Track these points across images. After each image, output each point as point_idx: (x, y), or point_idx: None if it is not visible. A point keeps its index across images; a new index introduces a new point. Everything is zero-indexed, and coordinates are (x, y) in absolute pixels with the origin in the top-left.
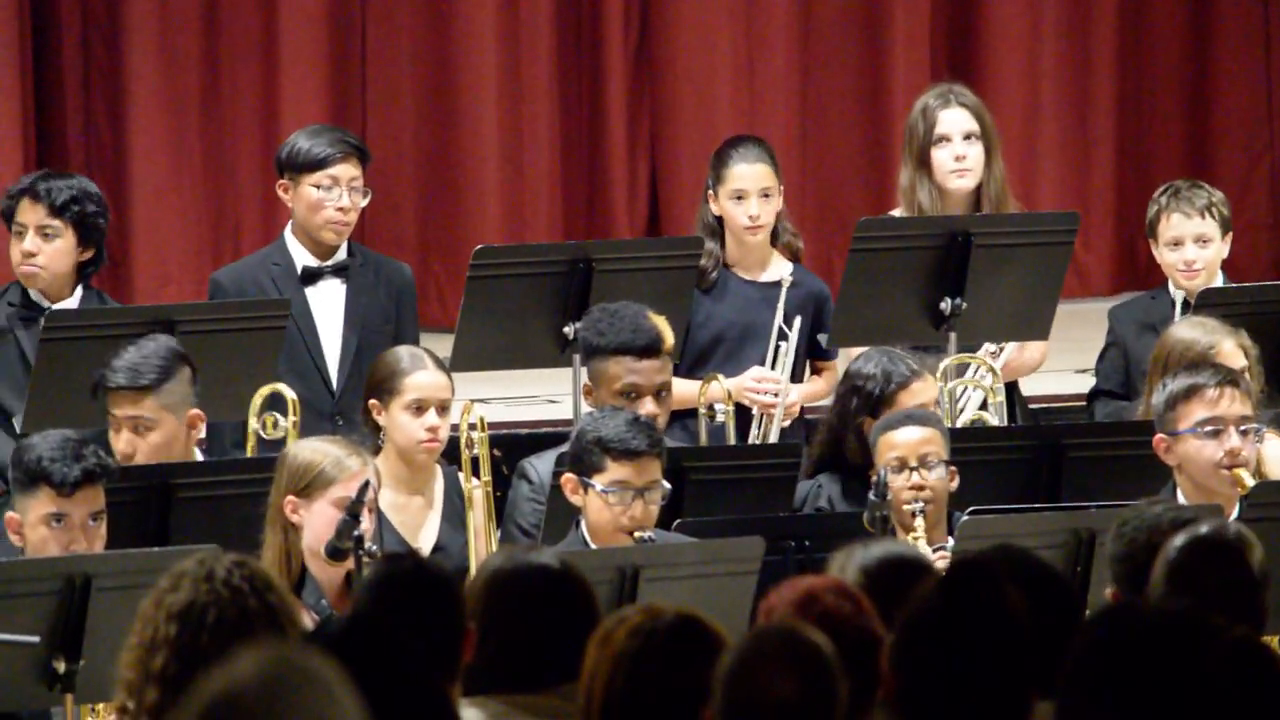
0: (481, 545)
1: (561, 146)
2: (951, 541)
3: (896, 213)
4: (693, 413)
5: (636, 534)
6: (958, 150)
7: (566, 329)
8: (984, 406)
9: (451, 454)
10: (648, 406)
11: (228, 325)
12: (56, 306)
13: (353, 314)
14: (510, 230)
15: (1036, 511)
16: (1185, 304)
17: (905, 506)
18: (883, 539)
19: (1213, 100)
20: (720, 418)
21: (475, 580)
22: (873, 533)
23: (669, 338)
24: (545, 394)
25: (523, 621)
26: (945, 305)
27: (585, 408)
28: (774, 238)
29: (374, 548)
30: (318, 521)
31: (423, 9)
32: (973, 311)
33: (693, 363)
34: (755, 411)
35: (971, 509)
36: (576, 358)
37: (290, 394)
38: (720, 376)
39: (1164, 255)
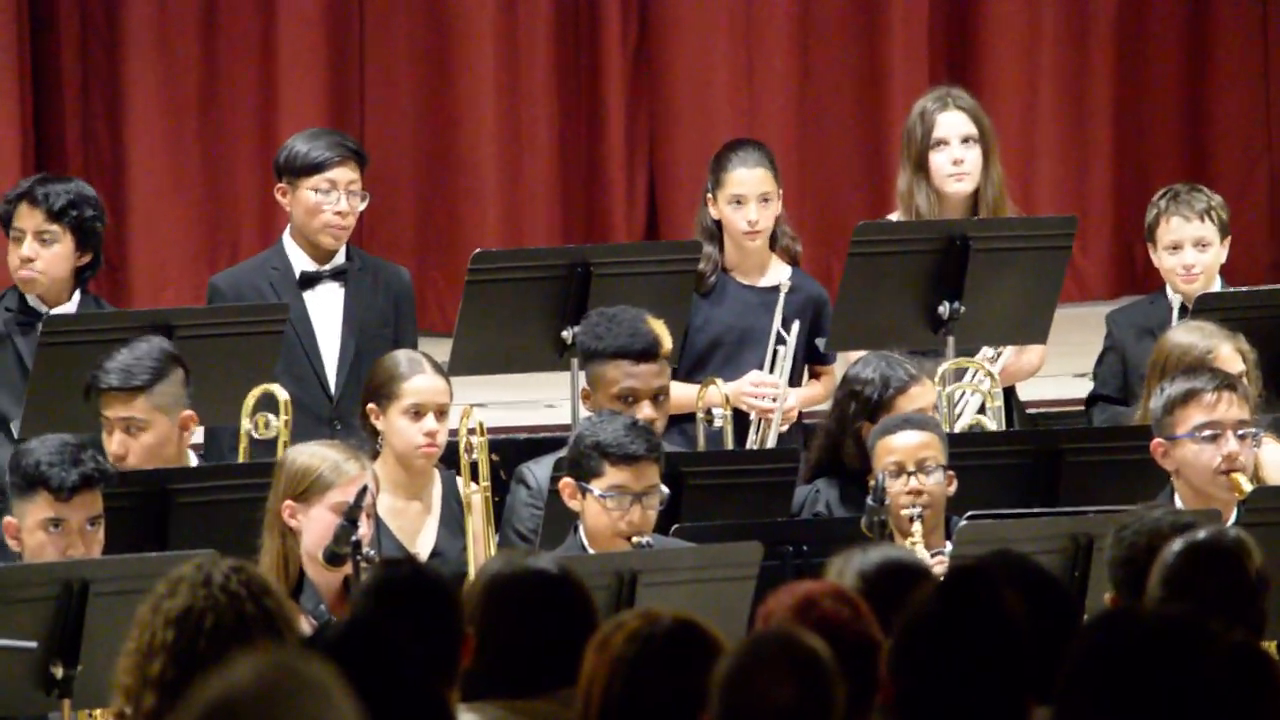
0: (480, 550)
1: (560, 150)
2: (949, 546)
3: (894, 216)
4: (691, 417)
5: (634, 539)
6: (956, 154)
7: (565, 333)
8: (982, 411)
9: (450, 459)
10: (645, 410)
11: (226, 330)
12: (54, 311)
13: (351, 318)
14: (508, 234)
15: (1034, 516)
16: (1183, 308)
17: (903, 511)
18: (881, 544)
19: (1211, 104)
20: (718, 422)
21: (473, 585)
22: (871, 537)
23: (667, 342)
24: (543, 398)
25: (521, 626)
26: (943, 309)
27: (583, 412)
28: (772, 242)
29: (372, 553)
30: (316, 526)
31: (421, 12)
32: (971, 316)
33: (691, 367)
34: (753, 416)
35: (969, 514)
36: (574, 362)
37: (283, 394)
38: (718, 381)
39: (1162, 259)
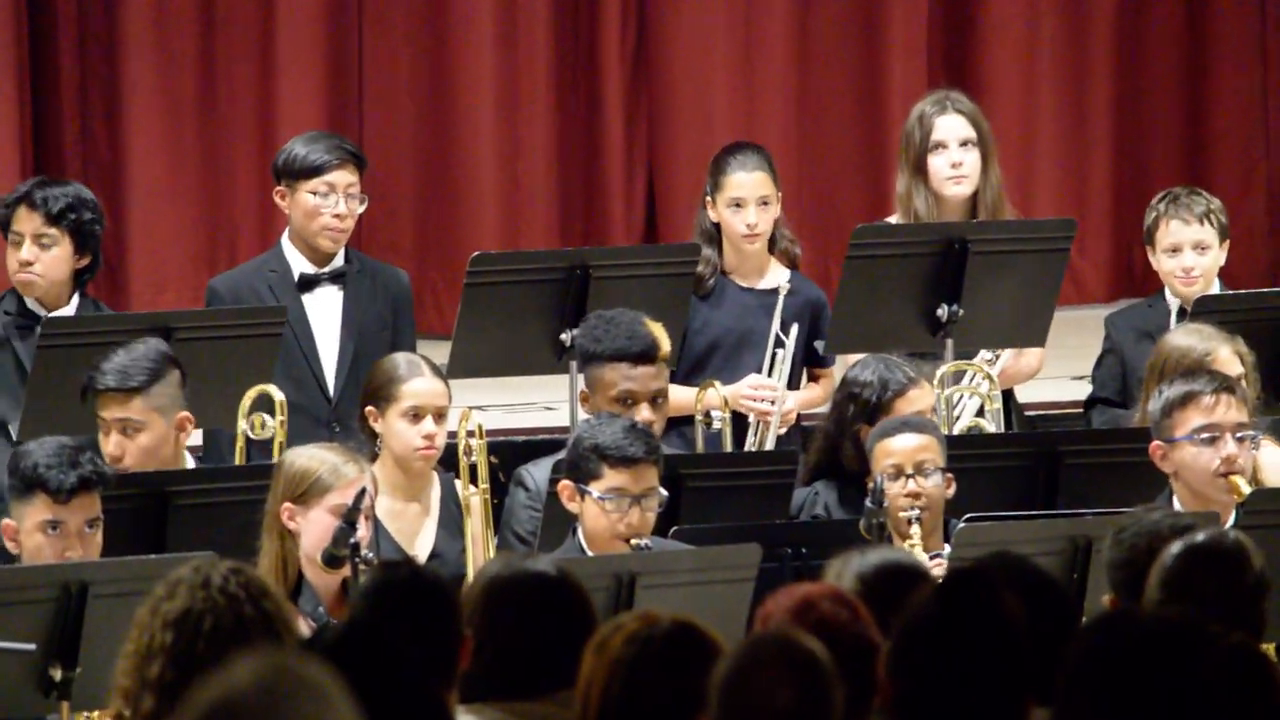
0: (479, 552)
1: (558, 152)
2: (948, 549)
3: (893, 219)
4: (689, 420)
5: (633, 541)
6: (954, 157)
7: (563, 336)
8: (981, 413)
9: (449, 461)
10: (643, 413)
11: (224, 332)
12: (53, 314)
13: (350, 321)
14: (507, 237)
15: (1033, 518)
16: (1182, 311)
17: (901, 514)
18: (879, 546)
19: (1209, 107)
20: (717, 425)
21: (472, 587)
22: (869, 540)
23: (665, 344)
24: (542, 401)
25: (519, 628)
26: (942, 312)
27: (582, 414)
28: (771, 244)
29: (370, 555)
30: (314, 528)
31: (420, 14)
32: (969, 318)
33: (689, 369)
34: (752, 419)
35: (968, 516)
36: (573, 364)
37: (279, 395)
38: (717, 383)
39: (1162, 262)
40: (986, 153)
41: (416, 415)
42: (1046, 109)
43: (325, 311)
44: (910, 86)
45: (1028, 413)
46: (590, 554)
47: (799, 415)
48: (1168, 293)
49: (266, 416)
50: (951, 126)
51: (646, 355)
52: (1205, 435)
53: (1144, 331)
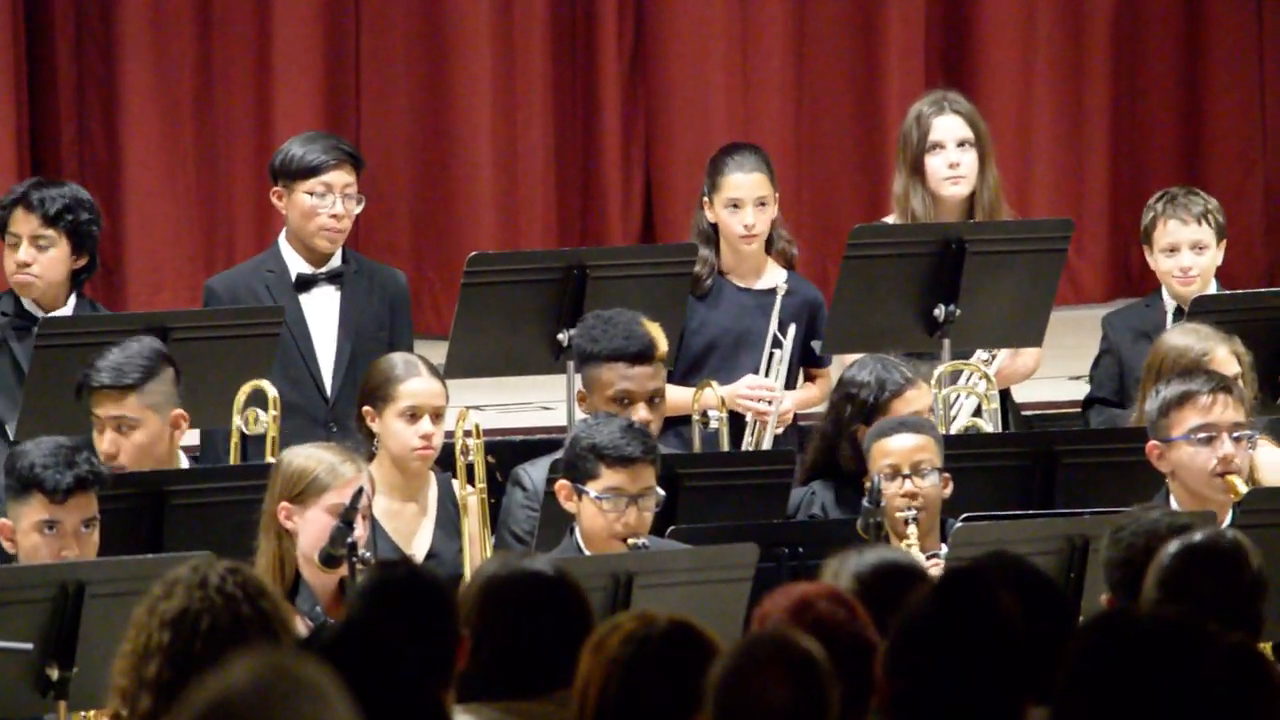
0: (476, 552)
1: (556, 153)
2: (945, 548)
3: (890, 219)
4: (686, 420)
5: (630, 541)
6: (952, 157)
7: (560, 336)
8: (978, 413)
9: (446, 461)
10: (640, 413)
11: (221, 332)
12: (50, 315)
13: (347, 321)
14: (504, 237)
15: (1030, 518)
16: (1179, 311)
17: (898, 514)
18: (876, 546)
19: (1206, 108)
20: (714, 424)
21: (469, 587)
22: (866, 539)
23: (662, 344)
24: (539, 400)
25: (517, 628)
26: (939, 312)
27: (579, 414)
28: (768, 245)
29: (368, 554)
30: (312, 528)
31: (417, 16)
32: (966, 318)
33: (687, 370)
34: (749, 418)
35: (965, 515)
36: (570, 364)
37: (271, 390)
38: (714, 383)
39: (1159, 262)
40: (984, 153)
41: (414, 415)
42: (1044, 109)
43: (322, 312)
44: (908, 87)
45: (1025, 412)
46: (587, 553)
47: (795, 415)
48: (1165, 293)
49: (260, 411)
50: (949, 127)
51: (644, 355)
52: (1202, 435)
53: (1141, 332)
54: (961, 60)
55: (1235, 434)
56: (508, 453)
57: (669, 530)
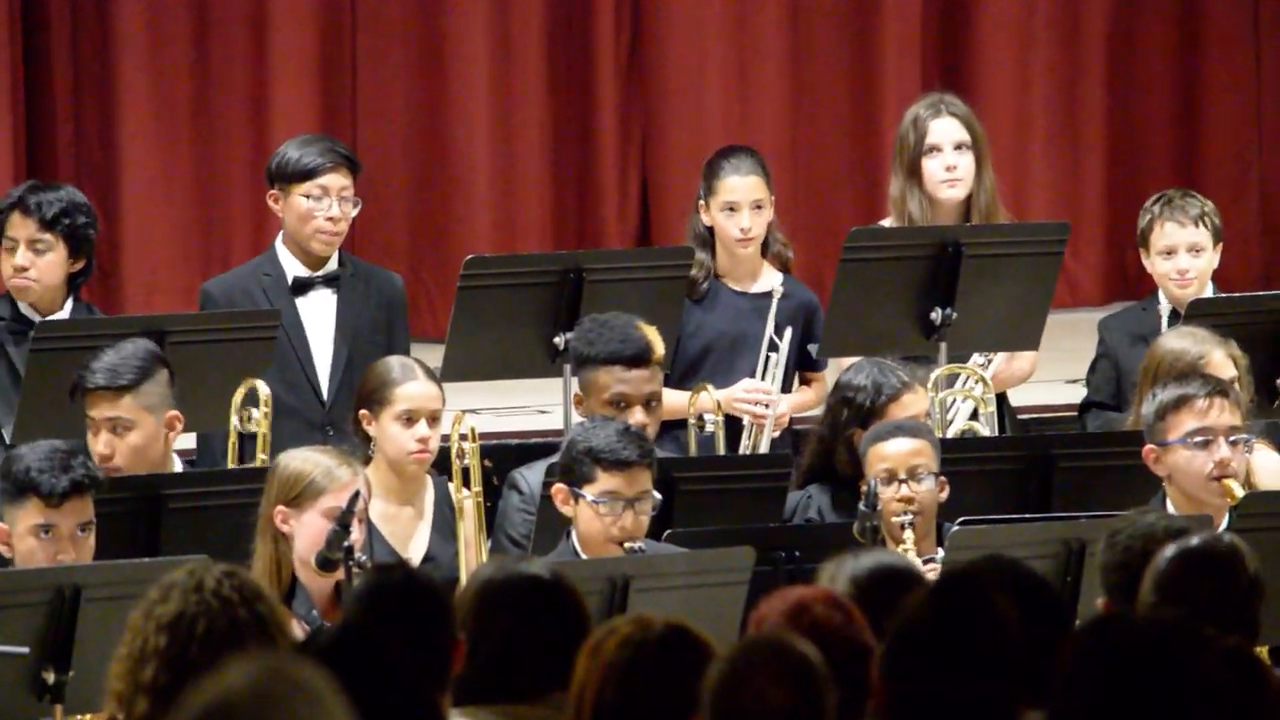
0: (472, 556)
1: (552, 156)
2: (941, 552)
3: (887, 223)
4: (683, 423)
5: (627, 544)
6: (948, 160)
7: (557, 339)
8: (974, 417)
9: (442, 464)
10: (637, 416)
11: (218, 336)
12: (46, 319)
13: (344, 324)
14: (501, 240)
15: (1027, 522)
16: (1174, 314)
17: (894, 519)
18: (873, 549)
19: (1203, 111)
20: (710, 428)
21: (466, 590)
22: (863, 543)
23: (659, 348)
24: (536, 404)
25: (513, 632)
26: (935, 315)
27: (576, 418)
28: (764, 248)
29: (364, 558)
30: (308, 531)
31: (413, 18)
32: (963, 322)
33: (683, 373)
34: (746, 422)
35: (962, 519)
36: (567, 368)
37: (264, 389)
38: (710, 387)
39: (1156, 265)
40: (980, 156)
41: (410, 419)
42: (1040, 112)
43: (319, 315)
44: (904, 90)
45: (1021, 416)
46: (584, 557)
47: (791, 418)
48: (1161, 296)
49: (254, 410)
50: (946, 130)
51: (640, 358)
52: (1198, 439)
53: (1138, 335)
54: (958, 63)
55: (1232, 438)
56: (504, 456)
57: (665, 534)
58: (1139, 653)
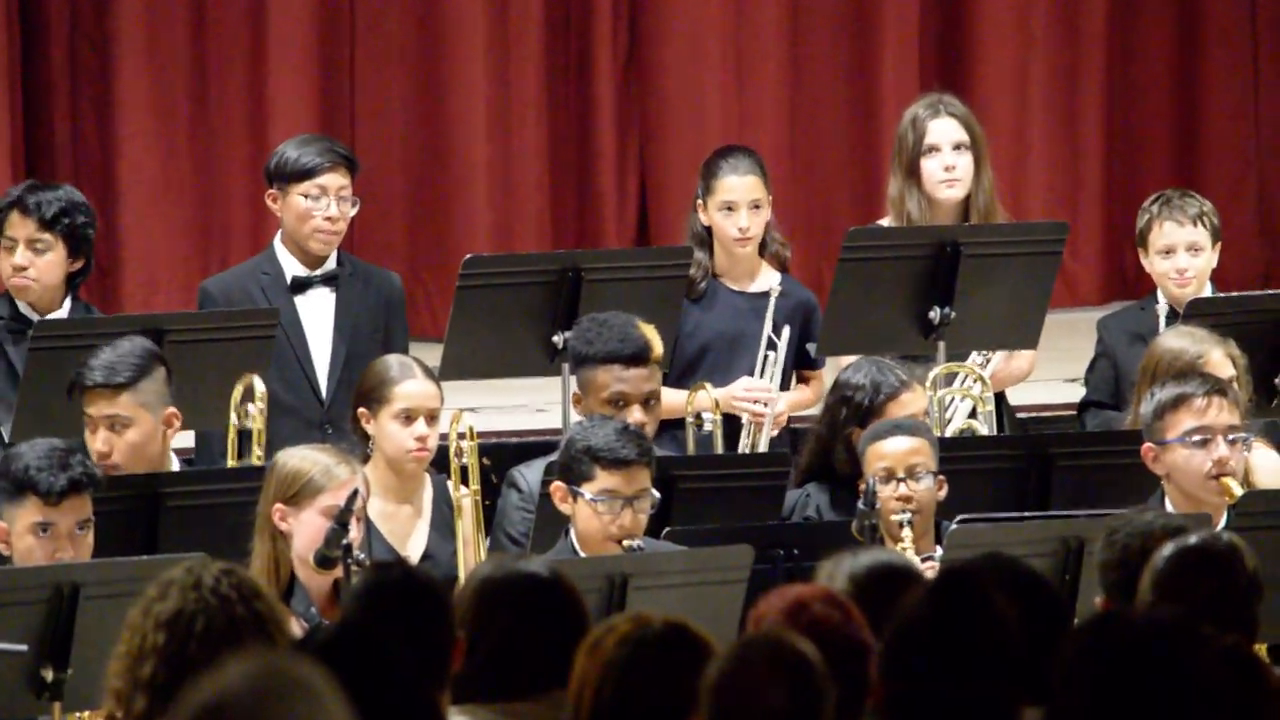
0: (470, 554)
1: (551, 156)
2: (940, 551)
3: (885, 222)
4: (681, 422)
5: (625, 543)
6: (947, 160)
7: (555, 338)
8: (973, 415)
9: (441, 463)
10: (635, 415)
11: (216, 335)
12: (45, 318)
13: (342, 323)
14: (499, 239)
15: (1025, 520)
16: (1172, 314)
17: (892, 517)
18: (872, 548)
19: (1201, 110)
20: (708, 427)
21: (464, 588)
22: (861, 542)
23: (657, 347)
24: (534, 403)
25: (512, 630)
26: (934, 315)
27: (574, 416)
28: (762, 247)
29: (362, 556)
30: (306, 530)
31: (412, 18)
32: (961, 321)
33: (681, 372)
34: (745, 420)
35: (960, 518)
36: (566, 367)
37: (260, 384)
38: (708, 385)
39: (1155, 264)
40: (979, 156)
41: (409, 417)
42: (1038, 112)
43: (317, 314)
44: (903, 89)
45: (1020, 415)
46: (583, 555)
47: (789, 417)
48: (1160, 295)
49: (250, 405)
50: (944, 130)
51: (639, 357)
52: (1197, 437)
53: (1136, 335)
54: (956, 63)
55: (1230, 436)
56: (503, 455)
57: (664, 532)
58: (1137, 651)
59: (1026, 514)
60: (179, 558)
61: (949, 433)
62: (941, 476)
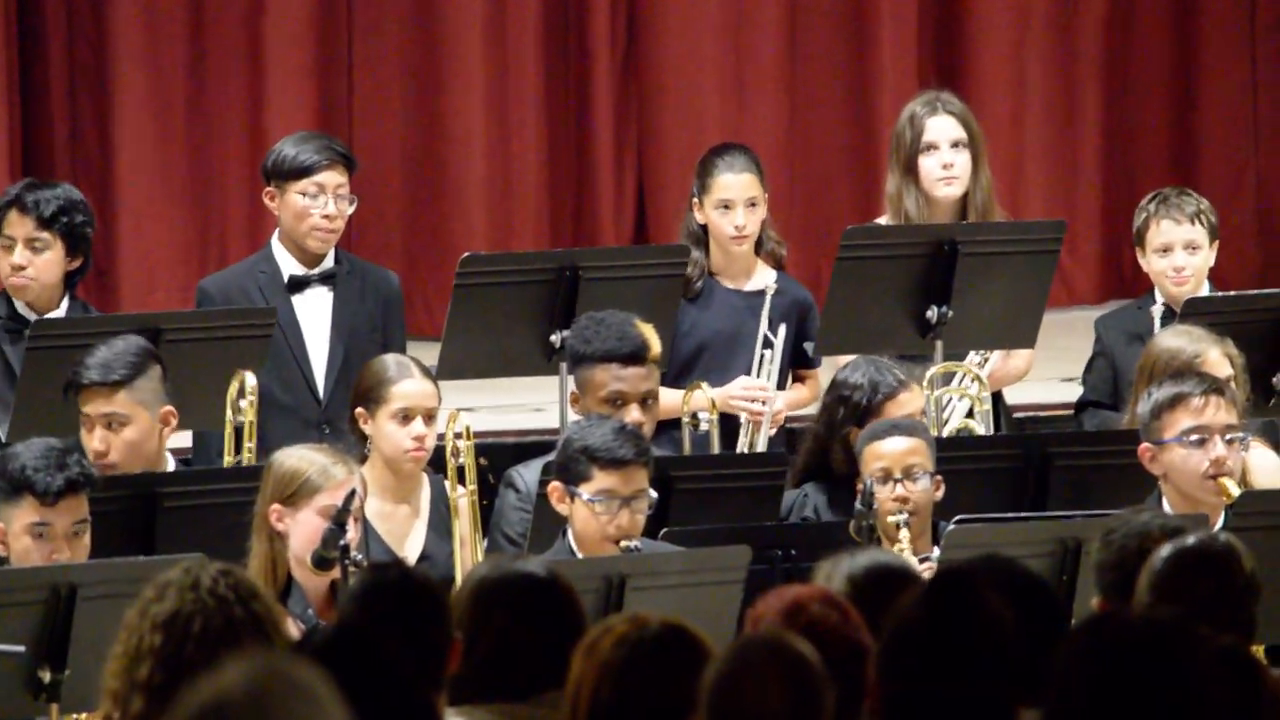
0: (468, 554)
1: (548, 154)
2: (937, 551)
3: (883, 220)
4: (678, 422)
5: (623, 543)
6: (945, 158)
7: (553, 337)
8: (970, 415)
9: (438, 462)
10: (633, 414)
11: (214, 333)
12: (42, 317)
13: (340, 322)
14: (497, 238)
15: (1023, 520)
16: (1169, 313)
17: (890, 518)
18: (869, 548)
19: (1199, 109)
20: (704, 426)
21: (461, 589)
22: (859, 542)
23: (655, 346)
24: (532, 402)
25: (509, 630)
26: (931, 314)
27: (572, 416)
28: (758, 246)
29: (360, 556)
30: (303, 530)
31: (409, 15)
32: (959, 320)
33: (678, 372)
34: (744, 419)
35: (958, 518)
36: (563, 366)
37: (251, 379)
38: (704, 385)
39: (1152, 262)
40: (977, 154)
41: (406, 417)
42: (1036, 110)
43: (315, 313)
44: (900, 87)
45: (1017, 414)
46: (580, 556)
47: (786, 417)
48: (1157, 294)
49: (242, 401)
50: (942, 128)
51: (636, 356)
52: (1194, 437)
53: (1134, 334)
54: (954, 61)
55: (1228, 436)
56: (500, 455)
57: (661, 532)
58: (1135, 652)
59: (1024, 514)
60: (176, 558)
61: (946, 432)
62: (939, 477)
